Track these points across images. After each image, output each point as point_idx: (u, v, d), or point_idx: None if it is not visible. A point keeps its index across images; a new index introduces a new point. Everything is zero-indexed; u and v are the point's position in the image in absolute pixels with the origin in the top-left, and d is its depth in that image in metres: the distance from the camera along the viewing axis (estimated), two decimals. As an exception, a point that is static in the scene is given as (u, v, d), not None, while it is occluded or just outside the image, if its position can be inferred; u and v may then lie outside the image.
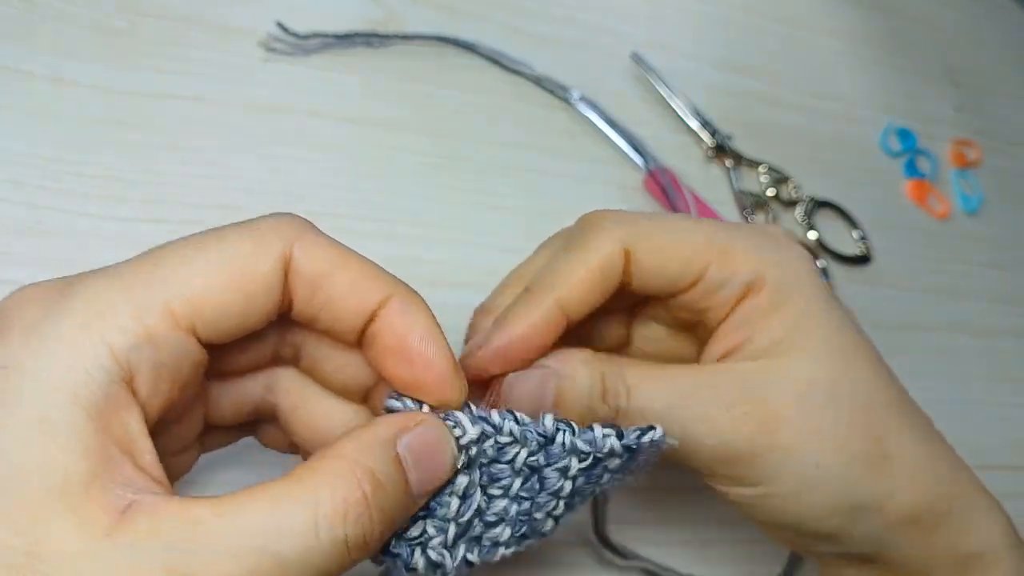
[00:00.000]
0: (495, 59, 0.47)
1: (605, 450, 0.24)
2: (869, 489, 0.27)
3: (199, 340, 0.21)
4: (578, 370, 0.26)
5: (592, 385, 0.26)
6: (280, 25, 0.42)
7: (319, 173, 0.40)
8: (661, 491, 0.39)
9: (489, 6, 0.50)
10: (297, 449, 0.28)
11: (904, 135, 0.58)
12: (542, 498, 0.25)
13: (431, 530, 0.23)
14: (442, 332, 0.24)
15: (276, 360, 0.26)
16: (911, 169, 0.57)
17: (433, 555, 0.23)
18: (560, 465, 0.24)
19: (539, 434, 0.24)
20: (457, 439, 0.23)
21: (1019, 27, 0.70)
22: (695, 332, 0.31)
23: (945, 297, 0.53)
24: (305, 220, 0.23)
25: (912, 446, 0.28)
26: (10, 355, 0.19)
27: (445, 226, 0.42)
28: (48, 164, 0.36)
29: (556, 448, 0.24)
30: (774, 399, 0.26)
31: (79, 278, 0.21)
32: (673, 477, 0.27)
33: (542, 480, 0.24)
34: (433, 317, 0.24)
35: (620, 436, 0.24)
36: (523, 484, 0.24)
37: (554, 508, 0.25)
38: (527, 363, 0.27)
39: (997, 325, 0.54)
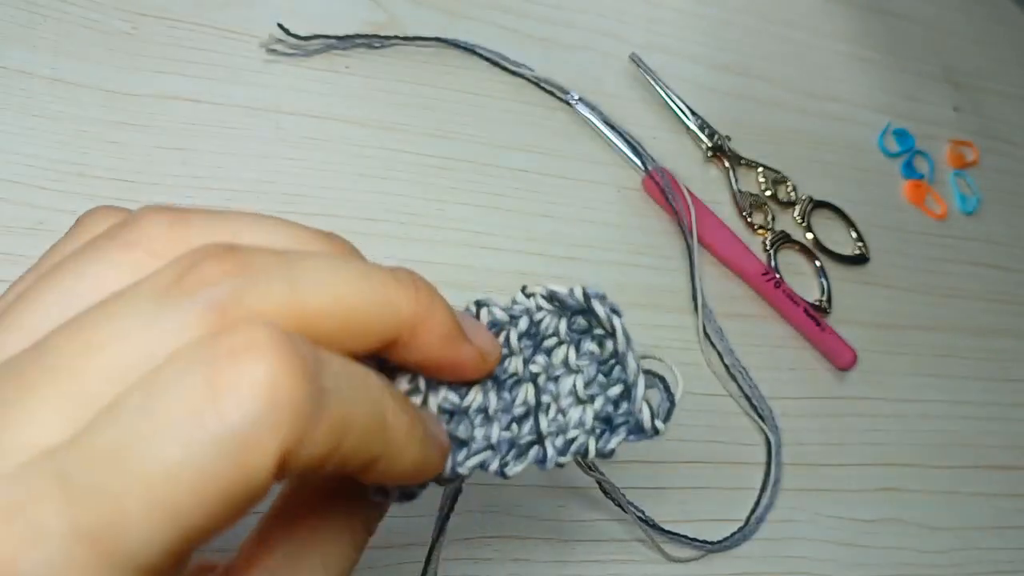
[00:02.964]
0: (495, 61, 0.47)
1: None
2: None
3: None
4: None
5: None
6: (281, 27, 0.42)
7: (319, 174, 0.40)
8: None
9: (489, 8, 0.50)
10: None
11: (902, 136, 0.58)
12: None
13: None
14: (460, 328, 0.21)
15: None
16: (909, 170, 0.57)
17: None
18: None
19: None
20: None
21: (1019, 27, 0.70)
22: None
23: (943, 297, 0.53)
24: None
25: None
26: None
27: (445, 226, 0.42)
28: (48, 164, 0.36)
29: None
30: None
31: None
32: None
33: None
34: (451, 316, 0.21)
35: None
36: None
37: None
38: None
39: (996, 325, 0.54)
